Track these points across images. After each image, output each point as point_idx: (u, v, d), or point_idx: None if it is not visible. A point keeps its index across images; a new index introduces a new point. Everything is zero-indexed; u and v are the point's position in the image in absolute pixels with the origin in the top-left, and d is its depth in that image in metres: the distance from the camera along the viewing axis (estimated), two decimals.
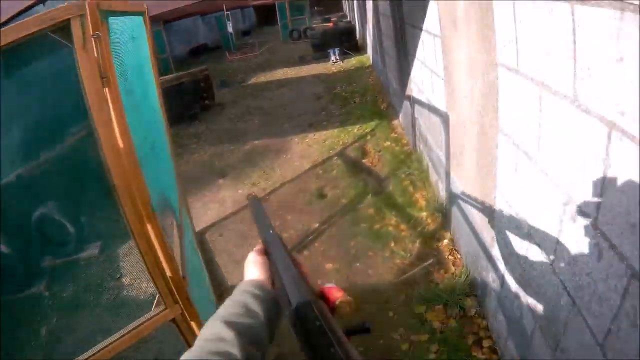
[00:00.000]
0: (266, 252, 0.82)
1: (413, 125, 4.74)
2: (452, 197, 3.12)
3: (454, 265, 3.06)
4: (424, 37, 3.25)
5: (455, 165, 2.89)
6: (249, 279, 0.76)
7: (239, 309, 0.66)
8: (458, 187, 2.89)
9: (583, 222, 1.21)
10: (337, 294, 0.68)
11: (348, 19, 16.27)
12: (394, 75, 5.81)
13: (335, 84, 8.91)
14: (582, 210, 1.22)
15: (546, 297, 1.61)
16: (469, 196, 2.60)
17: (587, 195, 1.17)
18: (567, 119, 1.21)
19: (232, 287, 0.75)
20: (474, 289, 2.77)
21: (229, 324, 0.62)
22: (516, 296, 2.03)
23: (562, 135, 1.28)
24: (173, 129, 7.26)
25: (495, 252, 2.24)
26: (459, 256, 3.10)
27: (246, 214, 4.30)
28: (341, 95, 8.08)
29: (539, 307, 1.70)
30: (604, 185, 1.08)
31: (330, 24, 13.43)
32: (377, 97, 7.32)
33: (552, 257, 1.50)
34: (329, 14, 19.57)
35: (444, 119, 2.99)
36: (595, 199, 1.12)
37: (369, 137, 5.94)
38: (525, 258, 1.83)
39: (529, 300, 1.82)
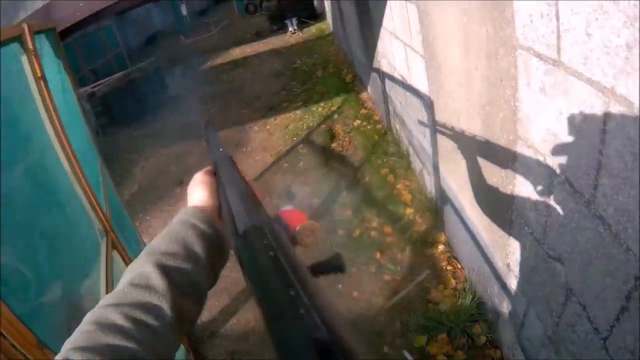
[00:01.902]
0: (216, 175, 0.68)
1: (385, 101, 4.14)
2: (444, 196, 2.58)
3: (454, 277, 2.56)
4: (391, 3, 2.61)
5: (446, 163, 2.33)
6: (192, 205, 0.63)
7: (177, 248, 0.55)
8: (452, 189, 2.34)
9: None
10: (298, 219, 0.57)
11: None
12: (358, 45, 5.12)
13: (295, 58, 8.13)
14: None
15: None
16: (467, 208, 2.07)
17: None
18: None
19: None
20: (482, 311, 2.28)
21: (162, 268, 0.51)
22: (544, 345, 1.55)
23: None
24: (126, 131, 6.85)
25: (512, 283, 1.73)
26: (459, 266, 2.60)
27: None
28: (302, 70, 7.33)
29: None
30: None
31: None
32: (341, 69, 6.62)
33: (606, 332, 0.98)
34: None
35: (427, 104, 2.40)
36: None
37: (336, 116, 5.29)
38: (561, 314, 1.32)
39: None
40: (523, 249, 1.52)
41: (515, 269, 1.66)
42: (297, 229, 0.54)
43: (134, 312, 0.48)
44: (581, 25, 0.83)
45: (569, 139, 1.02)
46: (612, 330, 1.00)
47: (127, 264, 2.02)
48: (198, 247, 0.56)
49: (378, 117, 4.80)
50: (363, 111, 5.11)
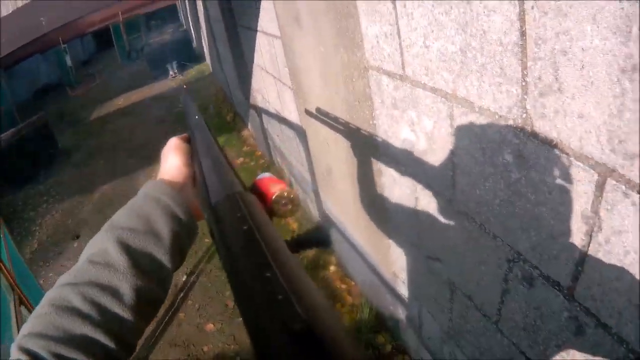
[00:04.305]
0: (191, 143, 0.62)
1: (265, 137, 4.10)
2: (328, 220, 2.56)
3: (349, 295, 2.52)
4: (260, 40, 2.59)
5: (324, 187, 2.32)
6: (164, 173, 0.58)
7: (140, 224, 0.48)
8: (332, 211, 2.33)
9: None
10: (274, 187, 0.50)
11: (184, 28, 14.93)
12: (234, 83, 5.05)
13: (177, 102, 7.82)
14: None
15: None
16: (349, 226, 2.06)
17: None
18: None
19: None
20: (382, 322, 2.26)
21: (123, 246, 0.45)
22: (444, 341, 1.55)
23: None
24: (22, 189, 6.07)
25: (402, 289, 1.73)
26: (352, 283, 2.58)
27: None
28: (184, 114, 7.04)
29: None
30: None
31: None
32: (222, 108, 6.48)
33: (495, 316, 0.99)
34: (166, 27, 17.63)
35: (300, 133, 2.39)
36: None
37: None
38: (451, 308, 1.33)
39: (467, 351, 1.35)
40: (403, 255, 1.53)
41: (401, 275, 1.67)
42: (273, 197, 0.47)
43: (92, 291, 0.42)
44: (420, 40, 0.85)
45: (424, 146, 1.04)
46: (500, 313, 1.01)
47: None
48: (163, 226, 0.49)
49: (260, 153, 4.73)
50: (245, 148, 5.01)
